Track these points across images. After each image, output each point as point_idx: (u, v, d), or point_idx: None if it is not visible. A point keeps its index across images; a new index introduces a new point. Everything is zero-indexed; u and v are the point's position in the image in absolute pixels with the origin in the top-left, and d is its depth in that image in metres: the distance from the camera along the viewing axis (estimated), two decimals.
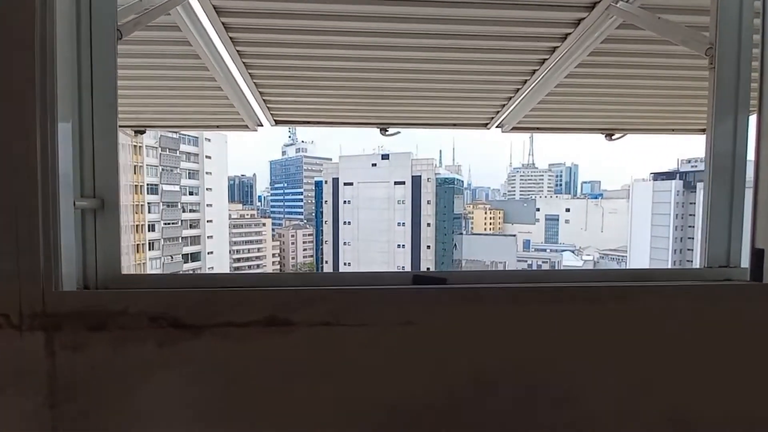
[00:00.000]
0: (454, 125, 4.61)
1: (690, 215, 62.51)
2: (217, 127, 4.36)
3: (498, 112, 4.24)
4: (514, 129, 4.48)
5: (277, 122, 4.37)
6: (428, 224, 53.30)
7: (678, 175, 65.21)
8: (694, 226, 61.25)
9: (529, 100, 3.88)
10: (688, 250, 62.18)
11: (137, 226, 54.46)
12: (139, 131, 4.97)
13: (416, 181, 53.87)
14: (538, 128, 4.65)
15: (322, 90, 3.88)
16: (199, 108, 4.20)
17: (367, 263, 56.40)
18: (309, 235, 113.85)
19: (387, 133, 4.40)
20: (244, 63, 3.41)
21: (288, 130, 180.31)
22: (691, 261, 61.56)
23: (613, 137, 4.54)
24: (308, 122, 4.47)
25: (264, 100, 4.06)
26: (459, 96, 4.02)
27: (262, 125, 4.27)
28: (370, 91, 3.90)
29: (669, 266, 62.94)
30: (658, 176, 68.01)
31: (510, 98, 3.99)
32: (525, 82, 3.71)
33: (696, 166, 65.36)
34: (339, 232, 58.28)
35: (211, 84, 3.63)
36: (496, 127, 4.54)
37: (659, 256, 64.46)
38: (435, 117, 4.50)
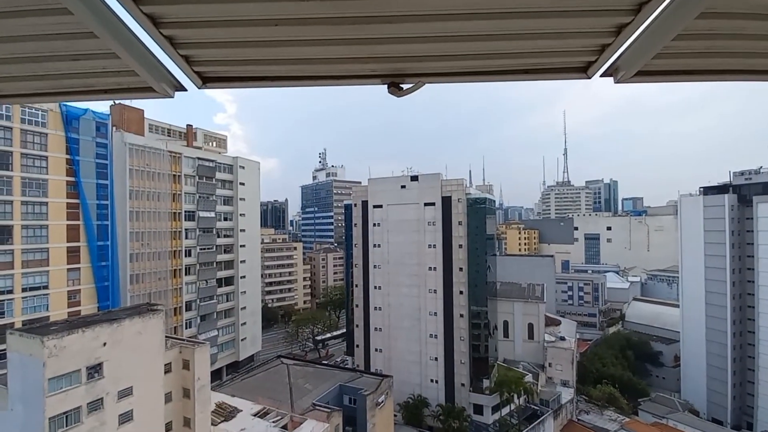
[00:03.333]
0: (526, 72, 2.59)
1: (747, 231, 57.39)
2: (104, 92, 2.80)
3: (607, 45, 2.34)
4: (640, 75, 2.51)
5: (207, 82, 2.69)
6: (460, 245, 51.77)
7: (731, 188, 60.50)
8: (752, 243, 56.06)
9: (667, 29, 2.10)
10: (748, 269, 56.77)
11: (174, 252, 56.37)
12: None
13: (446, 202, 52.87)
14: (687, 72, 2.61)
15: (286, 25, 2.24)
16: (73, 69, 2.62)
17: (396, 286, 55.28)
18: (339, 258, 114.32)
19: (402, 91, 2.58)
20: None
21: (318, 155, 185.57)
22: (752, 281, 56.01)
23: None
24: (262, 79, 2.69)
25: (172, 44, 2.40)
26: (532, 12, 2.13)
27: (182, 88, 2.69)
28: (368, 18, 2.20)
29: (727, 285, 57.50)
30: (709, 190, 63.39)
31: (628, 23, 2.17)
32: None
33: (750, 179, 60.40)
34: (369, 255, 57.78)
35: (82, 30, 2.24)
36: (603, 75, 2.54)
37: (716, 276, 59.20)
38: (487, 56, 2.50)
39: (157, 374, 26.41)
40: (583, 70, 2.58)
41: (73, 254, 44.88)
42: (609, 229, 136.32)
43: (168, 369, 28.10)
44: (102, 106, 51.66)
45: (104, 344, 23.50)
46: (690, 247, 63.06)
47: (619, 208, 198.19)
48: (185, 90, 2.73)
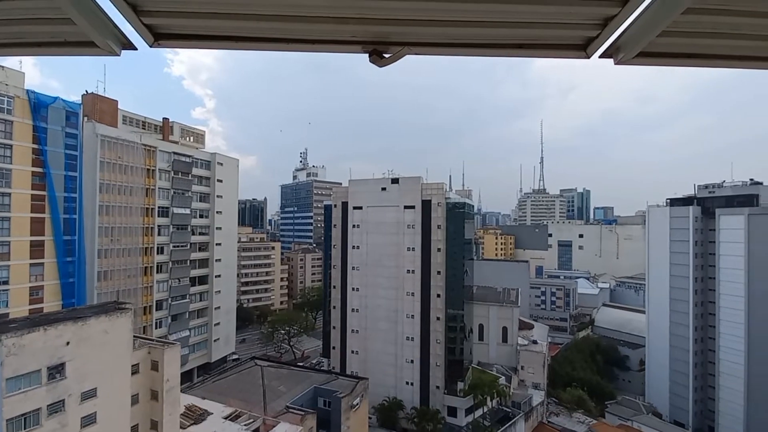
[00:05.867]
0: (520, 47, 2.36)
1: (710, 242, 60.37)
2: (36, 46, 2.43)
3: (612, 17, 2.12)
4: (642, 57, 2.31)
5: (160, 39, 2.34)
6: (438, 249, 52.27)
7: (696, 201, 63.53)
8: (714, 254, 59.02)
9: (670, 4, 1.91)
10: (710, 278, 59.70)
11: (146, 248, 54.54)
12: None
13: (426, 205, 53.30)
14: (689, 55, 2.41)
15: None
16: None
17: (374, 288, 55.29)
18: (318, 258, 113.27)
19: (384, 59, 2.34)
20: None
21: (299, 155, 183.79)
22: (714, 290, 58.95)
23: None
24: (226, 39, 2.34)
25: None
26: None
27: (131, 46, 2.34)
28: None
29: (690, 293, 60.32)
30: (675, 202, 66.37)
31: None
32: None
33: (714, 192, 63.65)
34: (348, 256, 57.54)
35: None
36: (603, 55, 2.36)
37: (680, 284, 61.95)
38: (479, 24, 2.25)
39: (123, 375, 25.45)
40: (583, 48, 2.35)
41: (37, 248, 42.74)
42: (581, 236, 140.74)
43: (136, 370, 27.12)
44: (73, 95, 49.57)
45: (67, 343, 22.47)
46: (656, 256, 65.78)
47: (591, 216, 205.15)
48: (134, 48, 2.35)
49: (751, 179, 62.87)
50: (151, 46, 2.36)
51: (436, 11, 2.14)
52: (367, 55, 2.35)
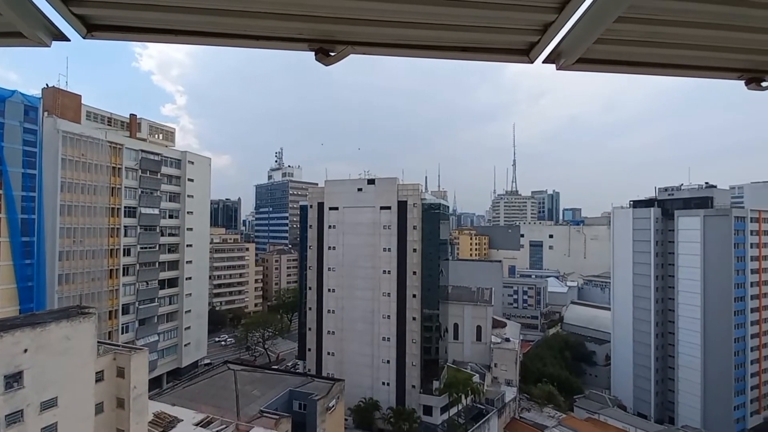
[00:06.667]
0: (464, 50, 2.40)
1: (670, 242, 63.72)
2: None
3: (550, 24, 2.22)
4: (582, 63, 2.41)
5: (93, 30, 2.23)
6: (414, 249, 52.73)
7: (656, 203, 66.90)
8: (673, 253, 62.37)
9: (612, 7, 1.99)
10: (670, 276, 62.99)
11: (111, 250, 52.29)
12: None
13: (402, 206, 53.66)
14: (626, 63, 2.52)
15: None
16: None
17: (350, 289, 55.16)
18: (294, 259, 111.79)
19: (329, 56, 2.32)
20: None
21: (275, 154, 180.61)
22: (672, 287, 62.30)
23: (764, 83, 2.60)
24: (164, 32, 2.27)
25: None
26: None
27: (63, 37, 2.22)
28: None
29: (651, 290, 63.50)
30: (637, 204, 69.64)
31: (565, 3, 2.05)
32: None
33: (673, 195, 67.27)
34: (324, 257, 57.14)
35: None
36: (546, 60, 2.42)
37: (642, 282, 65.04)
38: (423, 26, 2.28)
39: (86, 383, 24.32)
40: (526, 53, 2.42)
41: None
42: (551, 237, 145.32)
43: (100, 377, 25.96)
44: (33, 89, 47.01)
45: (25, 350, 21.28)
46: (620, 255, 68.83)
47: (561, 217, 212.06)
48: (67, 39, 2.22)
49: (707, 182, 66.83)
50: (84, 38, 2.24)
51: (379, 11, 2.16)
52: (313, 53, 2.32)
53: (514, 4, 2.10)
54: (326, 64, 2.37)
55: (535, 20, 2.20)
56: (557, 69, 2.43)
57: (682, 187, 67.57)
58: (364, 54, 2.41)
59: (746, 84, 2.64)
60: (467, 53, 2.43)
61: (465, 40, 2.37)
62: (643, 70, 2.59)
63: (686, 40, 2.37)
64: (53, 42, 2.22)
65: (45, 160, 44.53)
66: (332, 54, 2.32)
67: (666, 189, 68.80)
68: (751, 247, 59.28)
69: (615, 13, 1.99)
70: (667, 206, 65.40)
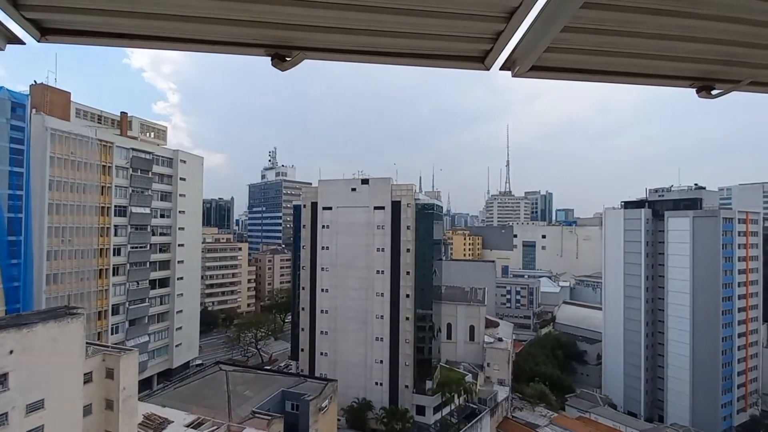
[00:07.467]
0: (420, 56, 2.44)
1: (660, 242, 64.45)
2: None
3: (501, 32, 2.22)
4: (536, 71, 2.44)
5: (47, 33, 2.24)
6: (408, 250, 52.72)
7: (647, 204, 67.64)
8: (663, 253, 63.10)
9: (555, 17, 2.01)
10: (660, 276, 63.73)
11: (101, 250, 51.58)
12: None
13: (396, 206, 53.61)
14: (578, 71, 2.56)
15: None
16: None
17: (344, 289, 54.98)
18: (287, 259, 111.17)
19: (285, 62, 2.32)
20: None
21: (268, 153, 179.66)
22: (662, 287, 63.04)
23: (714, 92, 2.63)
24: (118, 36, 2.27)
25: None
26: None
27: (17, 40, 2.22)
28: None
29: (642, 290, 64.18)
30: (629, 205, 70.33)
31: (517, 6, 2.05)
32: None
33: (663, 196, 68.07)
34: (317, 257, 56.89)
35: None
36: (502, 68, 2.43)
37: (633, 282, 65.70)
38: (378, 33, 2.28)
39: (74, 385, 23.93)
40: (481, 60, 2.44)
41: None
42: (544, 237, 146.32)
43: (89, 379, 25.56)
44: (21, 86, 46.23)
45: (11, 352, 20.88)
46: (612, 256, 69.47)
47: (554, 218, 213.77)
48: (22, 42, 2.21)
49: (696, 184, 67.73)
50: (39, 41, 2.26)
51: (331, 19, 2.15)
52: (269, 58, 2.34)
53: (464, 13, 2.11)
54: (282, 70, 2.38)
55: (487, 29, 2.22)
56: (513, 76, 2.44)
57: (672, 189, 68.43)
58: (318, 59, 2.43)
59: (697, 92, 2.66)
60: (423, 60, 2.45)
61: (420, 47, 2.39)
62: (596, 77, 2.64)
63: (635, 50, 2.41)
64: (7, 45, 2.21)
65: (33, 158, 43.80)
66: (288, 59, 2.33)
67: (656, 190, 69.61)
68: (739, 247, 60.23)
69: (561, 22, 2.02)
70: (658, 207, 66.15)
